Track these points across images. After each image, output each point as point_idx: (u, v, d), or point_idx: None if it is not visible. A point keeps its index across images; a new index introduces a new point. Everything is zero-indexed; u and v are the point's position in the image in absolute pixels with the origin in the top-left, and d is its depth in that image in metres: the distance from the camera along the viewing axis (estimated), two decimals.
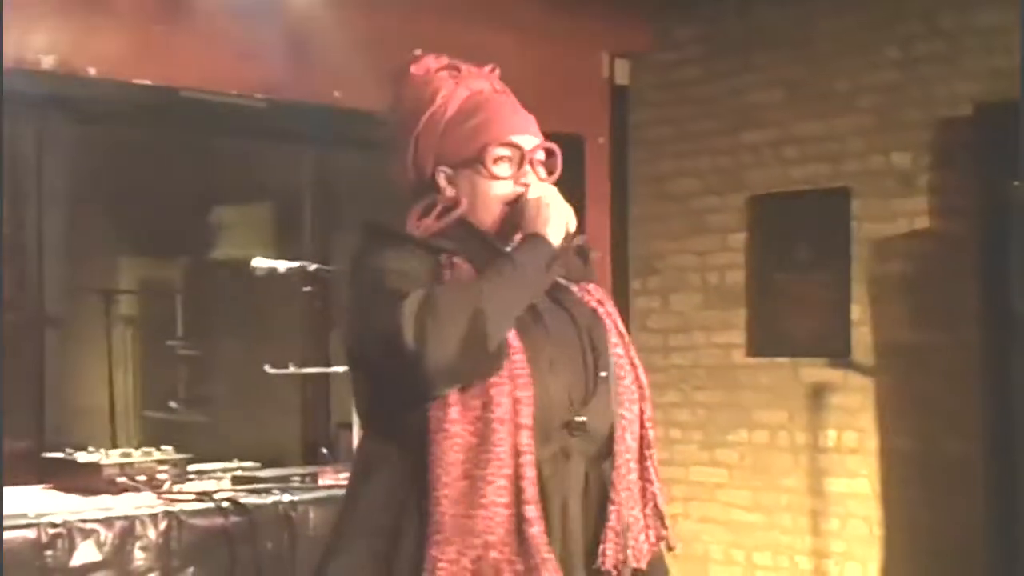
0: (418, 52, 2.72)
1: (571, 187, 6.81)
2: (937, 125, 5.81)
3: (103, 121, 5.80)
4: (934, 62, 5.81)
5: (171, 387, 6.89)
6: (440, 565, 2.40)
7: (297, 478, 4.62)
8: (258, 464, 4.82)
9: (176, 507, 4.23)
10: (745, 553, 6.45)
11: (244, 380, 6.18)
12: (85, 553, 3.96)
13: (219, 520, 4.23)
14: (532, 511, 2.42)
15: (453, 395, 2.43)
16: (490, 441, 2.42)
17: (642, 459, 2.63)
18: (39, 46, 5.07)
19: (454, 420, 2.43)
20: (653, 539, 2.68)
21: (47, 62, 5.11)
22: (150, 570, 4.07)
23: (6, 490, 4.19)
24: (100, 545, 4.00)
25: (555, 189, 2.65)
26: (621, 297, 6.84)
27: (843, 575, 6.10)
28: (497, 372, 2.43)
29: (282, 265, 4.92)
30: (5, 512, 4.00)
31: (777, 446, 6.33)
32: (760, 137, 6.42)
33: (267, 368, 4.94)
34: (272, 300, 5.72)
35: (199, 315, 6.81)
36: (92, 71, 5.21)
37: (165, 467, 4.56)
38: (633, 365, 2.63)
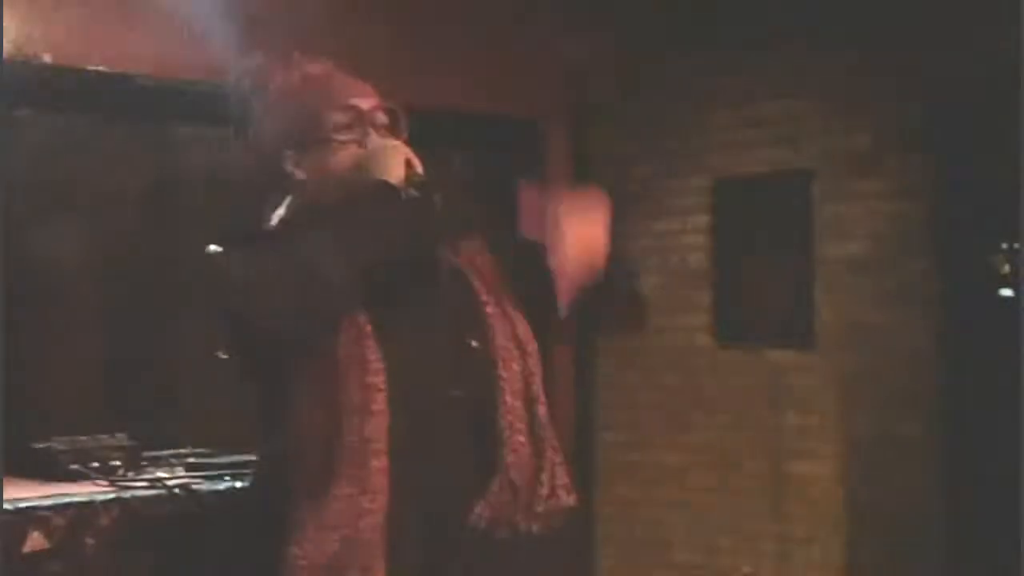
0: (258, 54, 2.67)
1: (531, 171, 6.85)
2: (897, 107, 5.78)
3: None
4: (896, 43, 5.79)
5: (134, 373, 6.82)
6: (299, 563, 2.36)
7: (249, 461, 4.57)
8: (212, 450, 4.77)
9: (128, 494, 4.19)
10: (707, 536, 6.43)
11: (202, 364, 6.12)
12: (35, 541, 3.92)
13: (171, 507, 4.20)
14: (372, 502, 2.35)
15: (301, 380, 2.38)
16: (339, 432, 2.36)
17: (531, 418, 2.53)
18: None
19: (306, 411, 2.38)
20: (549, 499, 2.53)
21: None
22: (102, 558, 4.04)
23: None
24: (50, 533, 3.96)
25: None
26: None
27: (806, 558, 6.08)
28: (338, 342, 2.35)
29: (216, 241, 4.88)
30: None
31: (739, 428, 6.31)
32: (722, 119, 6.39)
33: (219, 354, 4.90)
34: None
35: (152, 302, 6.74)
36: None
37: (118, 454, 4.52)
38: (508, 321, 2.54)
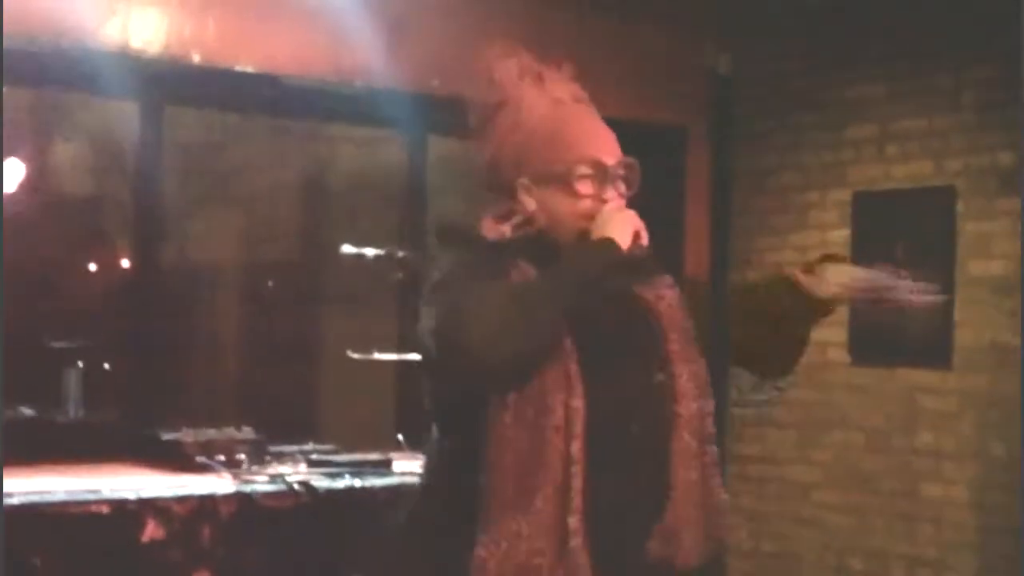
0: (499, 48, 2.66)
1: (672, 179, 6.86)
2: None
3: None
4: None
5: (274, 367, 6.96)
6: (488, 566, 2.41)
7: (371, 463, 4.65)
8: (334, 447, 4.86)
9: (248, 488, 4.29)
10: (836, 555, 6.36)
11: (330, 364, 6.23)
12: (154, 530, 4.04)
13: (290, 502, 4.29)
14: (575, 522, 2.41)
15: (509, 399, 2.43)
16: (542, 449, 2.42)
17: (702, 455, 2.58)
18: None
19: (508, 425, 2.43)
20: (707, 538, 2.62)
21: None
22: (218, 548, 4.14)
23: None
24: (169, 523, 4.08)
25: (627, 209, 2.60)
26: (719, 292, 6.76)
27: None
28: (546, 370, 2.43)
29: (370, 251, 4.97)
30: (81, 487, 4.10)
31: (873, 448, 6.23)
32: (863, 133, 6.31)
33: (350, 353, 5.00)
34: (361, 285, 5.76)
35: (293, 298, 6.87)
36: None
37: (244, 447, 4.64)
38: (689, 361, 2.59)
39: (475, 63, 2.68)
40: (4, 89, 4.42)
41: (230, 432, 4.70)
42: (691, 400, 2.57)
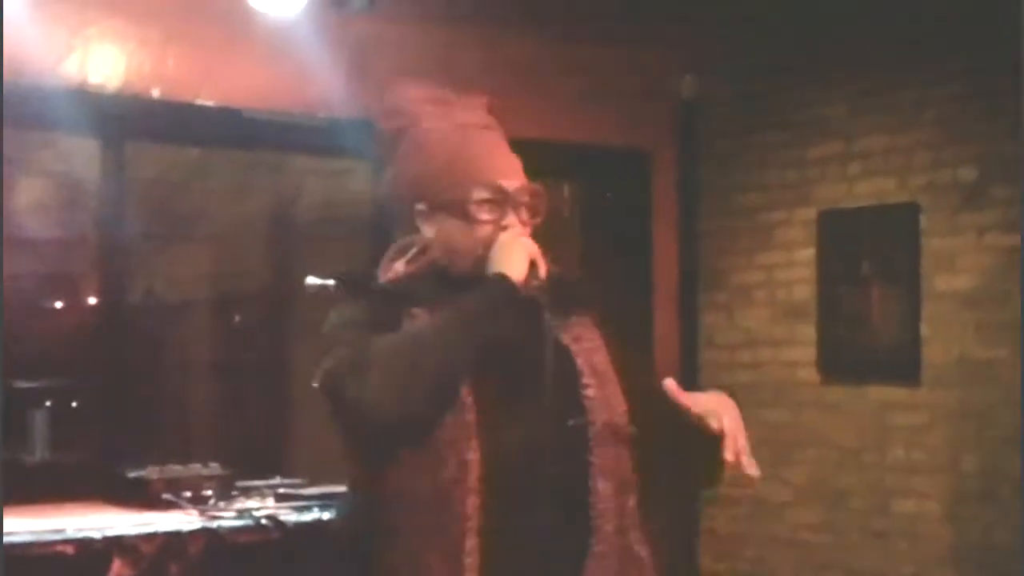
0: (406, 77, 2.64)
1: (639, 201, 6.87)
2: (1003, 137, 5.68)
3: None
4: (999, 73, 5.69)
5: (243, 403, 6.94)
6: None
7: (340, 496, 4.62)
8: (302, 481, 4.84)
9: (216, 524, 4.27)
10: (812, 573, 6.35)
11: (298, 398, 6.21)
12: (120, 569, 4.01)
13: (258, 537, 4.26)
14: None
15: (403, 454, 2.37)
16: (435, 505, 2.35)
17: (622, 507, 2.48)
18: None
19: (403, 480, 2.37)
20: None
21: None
22: None
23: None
24: (136, 561, 4.05)
25: (526, 236, 2.51)
26: (688, 313, 6.79)
27: None
28: (440, 423, 2.35)
29: (332, 282, 4.95)
30: (46, 528, 4.07)
31: (845, 465, 6.22)
32: (826, 151, 6.33)
33: (314, 384, 4.97)
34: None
35: (260, 332, 6.85)
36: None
37: (211, 483, 4.61)
38: (608, 407, 2.49)
39: (381, 93, 2.64)
40: None
41: (197, 468, 4.67)
42: (608, 447, 2.46)
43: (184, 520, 4.31)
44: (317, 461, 5.79)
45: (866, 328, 6.12)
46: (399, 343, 2.36)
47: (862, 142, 6.20)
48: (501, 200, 2.49)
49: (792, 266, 6.46)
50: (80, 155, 5.52)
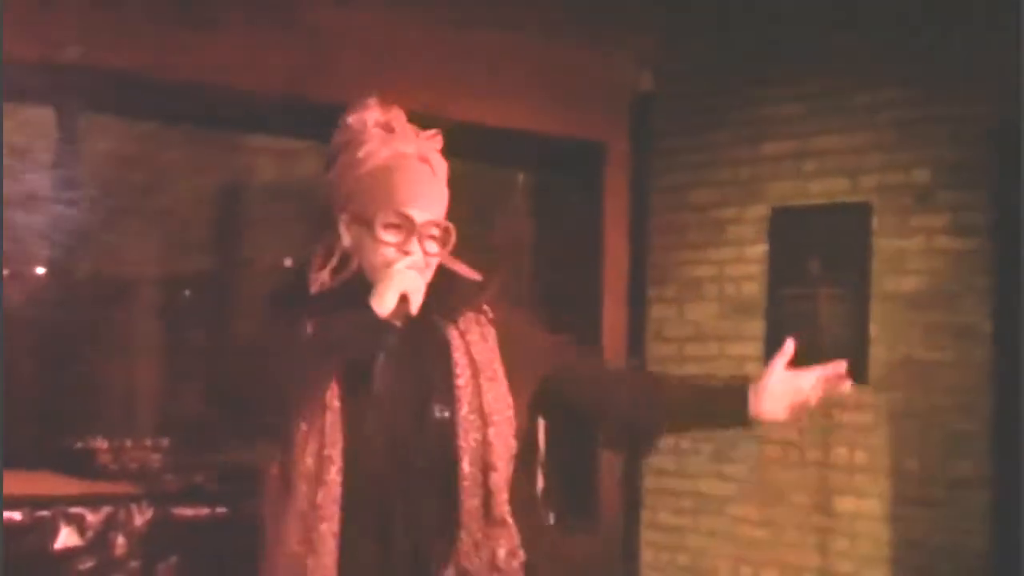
0: (370, 100, 2.80)
1: (591, 194, 6.88)
2: (957, 141, 5.74)
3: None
4: (953, 78, 5.75)
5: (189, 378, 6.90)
6: None
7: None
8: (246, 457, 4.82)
9: (161, 496, 4.26)
10: (752, 569, 6.40)
11: None
12: (67, 538, 3.99)
13: (204, 510, 4.26)
14: (327, 566, 2.61)
15: (275, 450, 2.67)
16: (293, 498, 2.62)
17: (484, 483, 2.72)
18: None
19: (272, 476, 2.68)
20: (502, 558, 2.75)
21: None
22: (132, 557, 4.10)
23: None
24: (83, 530, 4.03)
25: (416, 270, 2.71)
26: (637, 306, 6.82)
27: None
28: (301, 424, 2.62)
29: (288, 262, 4.95)
30: None
31: (787, 462, 6.27)
32: (780, 149, 6.38)
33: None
34: None
35: (209, 309, 6.82)
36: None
37: (157, 456, 4.60)
38: (477, 394, 2.74)
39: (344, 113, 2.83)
40: None
41: (144, 442, 4.65)
42: (473, 431, 2.71)
43: (131, 492, 4.29)
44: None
45: (814, 326, 6.17)
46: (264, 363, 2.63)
47: (815, 141, 6.25)
48: (408, 227, 2.71)
49: (743, 262, 6.51)
50: (35, 124, 5.47)
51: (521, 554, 2.74)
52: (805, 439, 6.19)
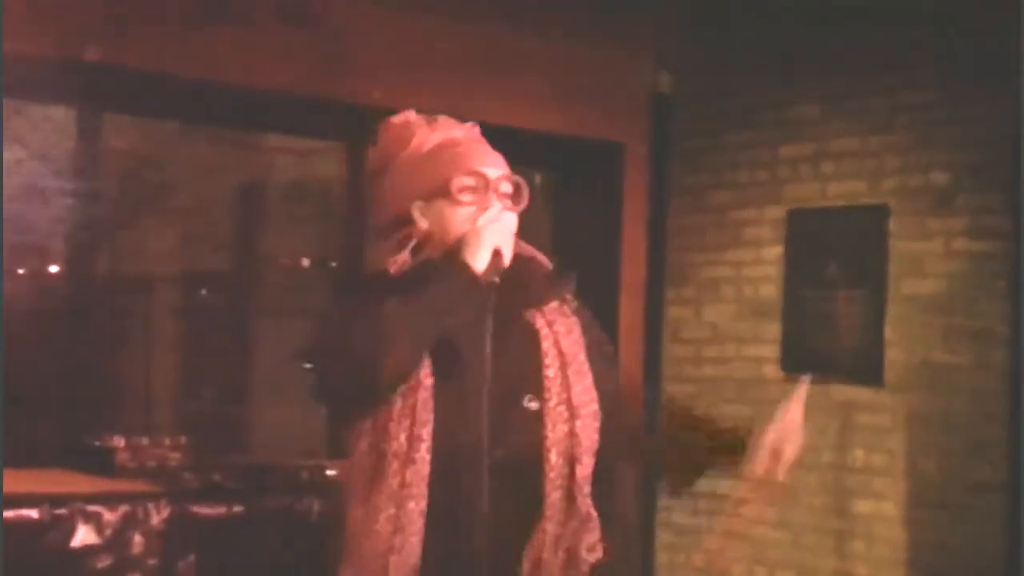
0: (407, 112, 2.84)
1: (610, 195, 6.89)
2: (976, 145, 5.73)
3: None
4: (972, 81, 5.74)
5: (207, 377, 6.93)
6: None
7: (305, 470, 4.65)
8: (268, 456, 4.85)
9: (181, 495, 4.27)
10: (767, 570, 6.39)
11: (265, 373, 6.22)
12: (85, 536, 4.01)
13: (222, 509, 4.27)
14: (412, 544, 2.60)
15: (365, 427, 2.64)
16: (383, 475, 2.61)
17: (571, 476, 2.73)
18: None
19: (361, 451, 2.65)
20: (592, 552, 2.75)
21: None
22: (149, 555, 4.12)
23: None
24: (101, 529, 4.05)
25: (505, 216, 2.74)
26: (654, 307, 6.82)
27: None
28: (390, 401, 2.61)
29: (305, 262, 4.98)
30: (12, 492, 4.05)
31: (804, 464, 6.24)
32: (798, 151, 6.37)
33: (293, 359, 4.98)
34: (297, 295, 5.75)
35: (228, 308, 6.86)
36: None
37: (177, 455, 4.62)
38: (567, 387, 2.75)
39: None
40: None
41: (163, 440, 4.67)
42: (561, 423, 2.72)
43: (150, 491, 4.30)
44: (281, 436, 5.83)
45: (831, 328, 6.17)
46: (367, 325, 2.59)
47: (834, 143, 6.24)
48: (483, 185, 2.74)
49: (760, 264, 6.50)
50: (56, 125, 5.49)
51: (600, 549, 2.75)
52: (823, 441, 6.18)
